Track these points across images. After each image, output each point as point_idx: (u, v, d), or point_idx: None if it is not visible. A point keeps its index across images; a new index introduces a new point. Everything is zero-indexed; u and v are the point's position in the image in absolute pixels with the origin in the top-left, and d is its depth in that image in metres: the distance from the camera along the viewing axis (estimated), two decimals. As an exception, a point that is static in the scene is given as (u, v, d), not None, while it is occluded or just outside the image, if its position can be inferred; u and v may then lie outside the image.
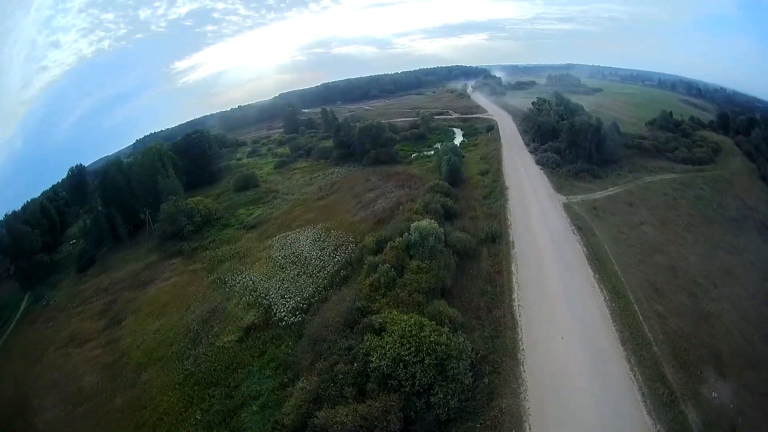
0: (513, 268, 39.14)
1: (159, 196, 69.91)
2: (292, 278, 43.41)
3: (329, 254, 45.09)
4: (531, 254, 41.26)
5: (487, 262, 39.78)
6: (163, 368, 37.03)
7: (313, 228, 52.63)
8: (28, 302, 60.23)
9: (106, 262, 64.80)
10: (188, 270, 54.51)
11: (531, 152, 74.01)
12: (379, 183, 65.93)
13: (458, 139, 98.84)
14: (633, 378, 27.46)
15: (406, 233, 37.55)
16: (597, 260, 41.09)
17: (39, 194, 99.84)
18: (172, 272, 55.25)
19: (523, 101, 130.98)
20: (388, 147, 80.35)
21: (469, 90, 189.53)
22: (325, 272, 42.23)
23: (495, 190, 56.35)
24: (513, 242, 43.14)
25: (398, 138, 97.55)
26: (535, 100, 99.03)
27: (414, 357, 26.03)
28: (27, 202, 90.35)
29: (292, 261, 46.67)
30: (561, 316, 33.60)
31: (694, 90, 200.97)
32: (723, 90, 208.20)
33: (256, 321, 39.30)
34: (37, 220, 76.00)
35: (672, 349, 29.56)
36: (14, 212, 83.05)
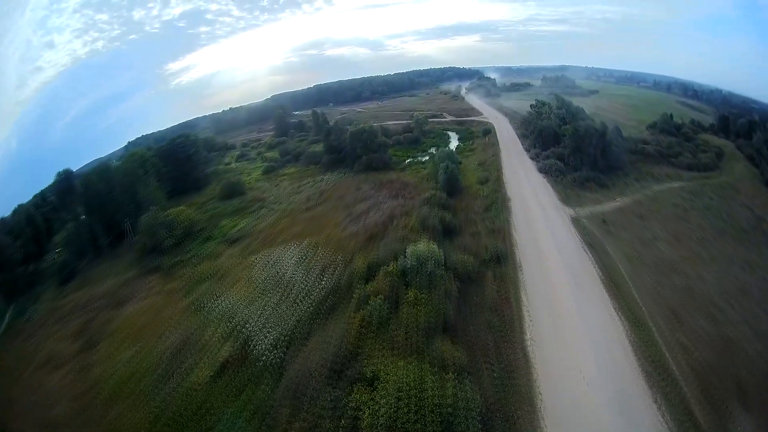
0: (522, 296, 34.73)
1: (140, 205, 65.80)
2: (274, 305, 38.65)
3: (315, 277, 40.31)
4: (541, 278, 36.92)
5: (492, 288, 35.22)
6: (133, 405, 32.72)
7: (299, 244, 47.87)
8: (11, 316, 55.61)
9: (87, 274, 60.22)
10: (165, 290, 50.11)
11: (532, 158, 69.80)
12: (371, 192, 61.30)
13: (454, 144, 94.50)
14: (663, 421, 24.44)
15: (402, 257, 32.95)
16: (613, 284, 37.26)
17: (30, 198, 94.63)
18: (149, 291, 50.72)
19: (520, 103, 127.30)
20: (381, 152, 75.80)
21: (463, 92, 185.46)
22: (310, 299, 37.49)
23: (496, 202, 51.93)
24: (520, 263, 38.71)
25: (391, 142, 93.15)
26: (534, 102, 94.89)
27: (414, 416, 21.63)
28: (17, 206, 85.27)
29: (275, 284, 41.89)
30: (580, 353, 29.62)
31: (690, 92, 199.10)
32: (719, 91, 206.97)
33: (232, 356, 34.99)
34: (21, 228, 71.37)
35: (698, 384, 27.01)
36: (2, 219, 78.17)
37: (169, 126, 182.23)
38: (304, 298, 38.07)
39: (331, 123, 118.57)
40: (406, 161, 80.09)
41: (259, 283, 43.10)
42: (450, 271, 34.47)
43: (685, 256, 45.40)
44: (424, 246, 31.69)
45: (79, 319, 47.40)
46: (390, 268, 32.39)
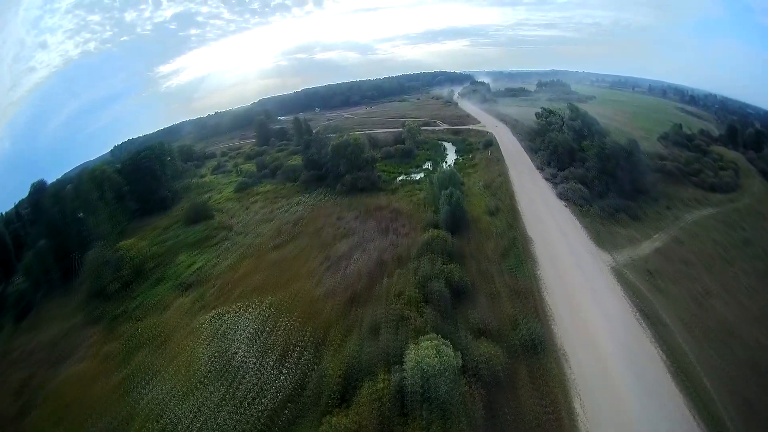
0: (576, 405, 23.19)
1: (93, 234, 55.79)
2: (214, 407, 26.62)
3: (273, 365, 28.15)
4: (596, 372, 25.27)
5: (531, 397, 23.40)
6: None
7: (259, 305, 35.59)
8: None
9: (40, 310, 50.16)
10: (102, 353, 39.33)
11: (547, 180, 58.16)
12: (355, 223, 49.28)
13: (451, 157, 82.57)
14: None
15: (398, 368, 21.11)
16: (681, 371, 26.82)
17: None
18: (88, 350, 39.74)
19: (519, 110, 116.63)
20: (368, 170, 63.51)
21: (456, 97, 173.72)
22: (262, 404, 25.40)
23: (516, 244, 39.77)
24: (563, 350, 26.89)
25: (380, 155, 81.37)
26: (539, 110, 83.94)
27: None
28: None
29: (220, 369, 29.73)
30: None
31: (687, 97, 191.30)
32: (713, 96, 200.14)
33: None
34: (-11, 249, 61.01)
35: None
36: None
37: (155, 130, 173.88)
38: (254, 399, 26.16)
39: (315, 131, 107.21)
40: (398, 179, 68.04)
41: (202, 363, 31.13)
42: (469, 374, 22.80)
43: (741, 316, 36.30)
44: (431, 349, 19.90)
45: (22, 371, 39.61)
46: (379, 384, 20.42)
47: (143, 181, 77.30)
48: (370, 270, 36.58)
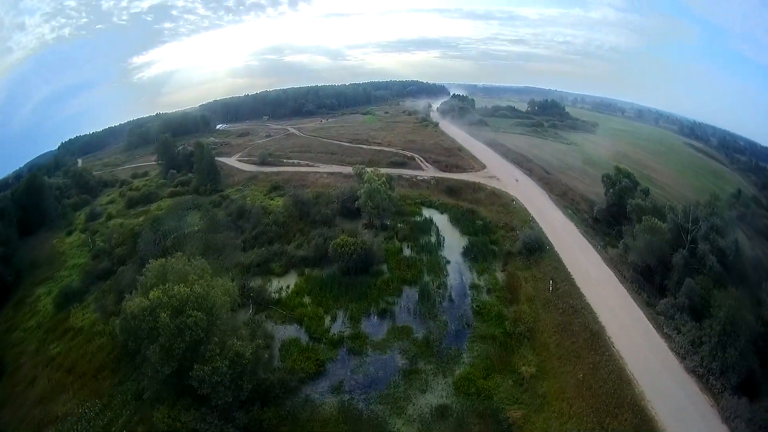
0: None
1: None
2: None
3: None
4: None
5: None
6: None
7: None
8: None
9: None
10: None
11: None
12: None
13: (454, 264, 38.08)
14: None
15: None
16: None
17: None
18: None
19: (538, 146, 77.28)
20: (242, 386, 19.69)
21: (434, 113, 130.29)
22: None
23: None
24: None
25: (303, 256, 39.00)
26: (611, 173, 43.03)
27: None
28: None
29: None
30: None
31: (686, 129, 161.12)
32: (700, 125, 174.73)
33: None
34: None
35: None
36: None
37: (102, 128, 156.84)
38: None
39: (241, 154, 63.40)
40: (327, 383, 24.62)
41: None
42: None
43: None
44: None
45: None
46: None
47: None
48: None
